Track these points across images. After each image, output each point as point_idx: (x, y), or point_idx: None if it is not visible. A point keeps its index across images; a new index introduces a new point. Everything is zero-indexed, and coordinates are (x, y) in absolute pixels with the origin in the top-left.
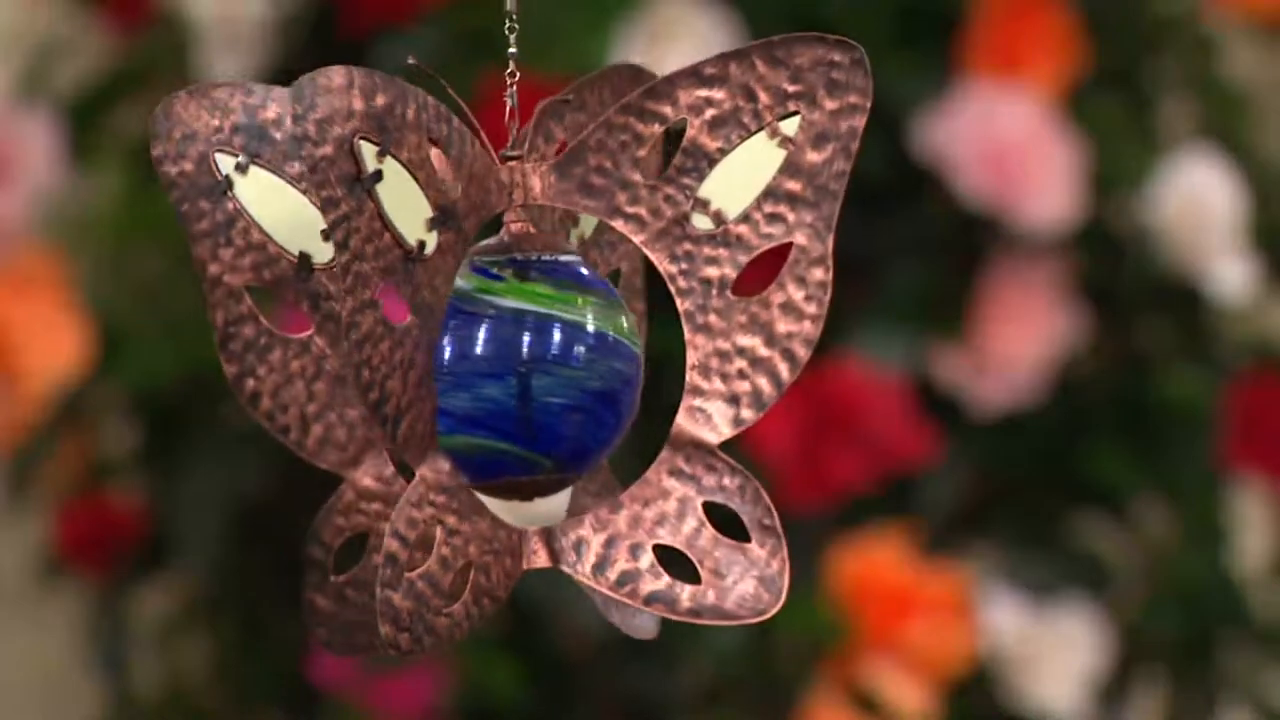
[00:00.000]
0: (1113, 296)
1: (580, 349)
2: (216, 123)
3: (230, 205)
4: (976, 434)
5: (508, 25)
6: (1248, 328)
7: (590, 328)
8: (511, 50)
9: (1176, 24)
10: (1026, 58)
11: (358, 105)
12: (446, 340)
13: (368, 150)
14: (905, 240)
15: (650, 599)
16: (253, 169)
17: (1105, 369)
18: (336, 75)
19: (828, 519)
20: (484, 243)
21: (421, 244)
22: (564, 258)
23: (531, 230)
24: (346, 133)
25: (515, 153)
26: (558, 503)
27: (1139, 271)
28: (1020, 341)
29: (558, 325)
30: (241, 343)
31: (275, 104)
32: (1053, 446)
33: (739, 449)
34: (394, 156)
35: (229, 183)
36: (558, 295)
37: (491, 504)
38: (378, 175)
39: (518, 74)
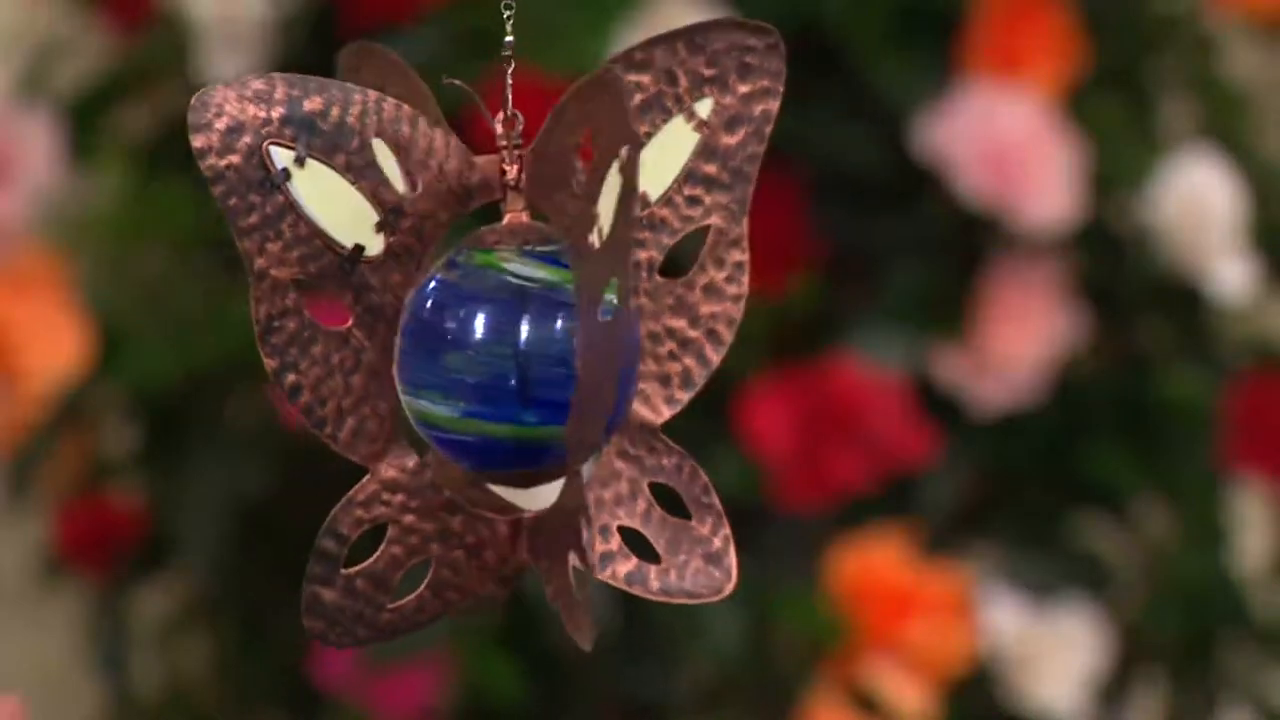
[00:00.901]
0: (1113, 296)
1: (545, 309)
2: (264, 114)
3: (281, 198)
4: (976, 434)
5: (505, 16)
6: (1248, 328)
7: (553, 293)
8: (509, 37)
9: (1176, 24)
10: (1026, 58)
11: (275, 113)
12: (447, 321)
13: (282, 155)
14: (905, 240)
15: (628, 579)
16: (309, 162)
17: (1105, 369)
18: (254, 83)
19: (828, 519)
20: (480, 231)
21: (360, 247)
22: (543, 248)
23: (525, 220)
24: (254, 141)
25: (506, 144)
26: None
27: (1139, 271)
28: (1020, 341)
29: (557, 296)
30: (285, 336)
31: (316, 95)
32: (1053, 446)
33: (739, 448)
34: (321, 160)
35: (286, 175)
36: (558, 272)
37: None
38: (285, 176)
39: (513, 66)
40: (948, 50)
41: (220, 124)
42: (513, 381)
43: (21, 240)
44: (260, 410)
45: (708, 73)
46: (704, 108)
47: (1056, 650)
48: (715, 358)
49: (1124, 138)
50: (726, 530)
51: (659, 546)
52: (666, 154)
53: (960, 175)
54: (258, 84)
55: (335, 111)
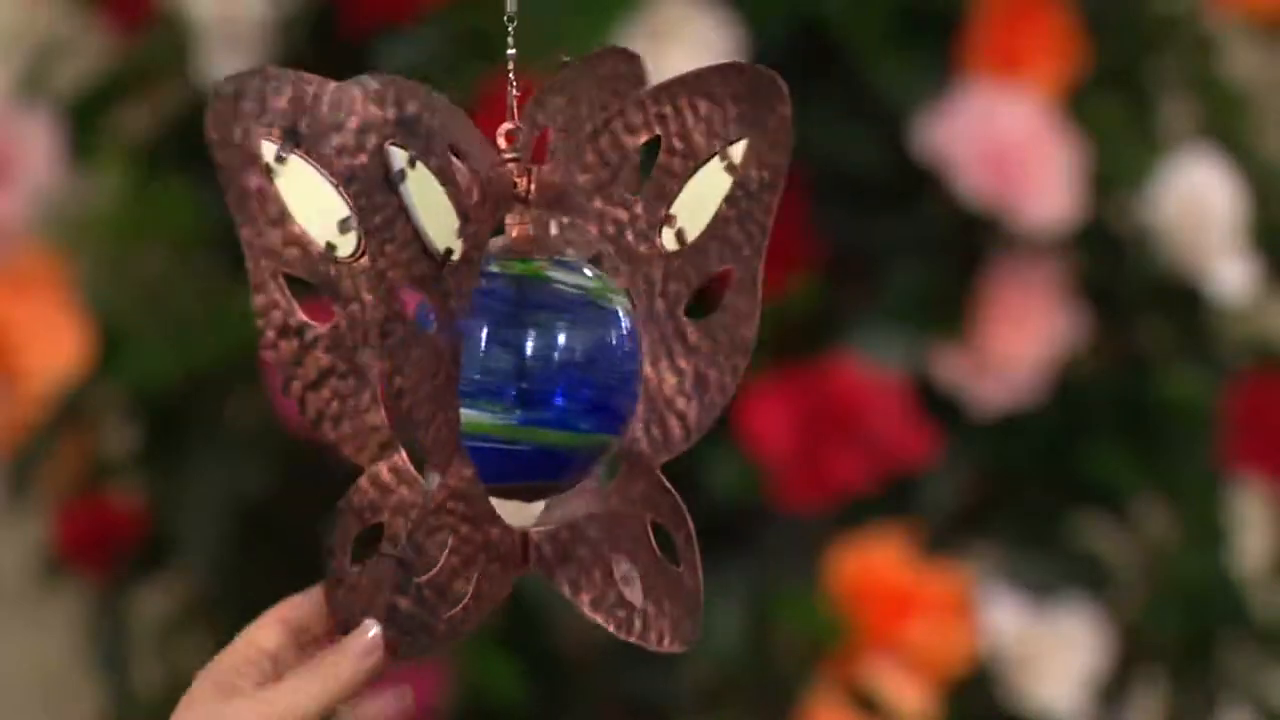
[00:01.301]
0: (1113, 296)
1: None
2: (384, 114)
3: (396, 200)
4: (976, 434)
5: (508, 24)
6: (1248, 328)
7: (593, 300)
8: (511, 50)
9: (1176, 24)
10: (1026, 58)
11: (390, 114)
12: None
13: (399, 156)
14: (905, 240)
15: (611, 614)
16: (419, 164)
17: (1105, 369)
18: (372, 83)
19: (828, 519)
20: (501, 242)
21: (449, 251)
22: (568, 258)
23: (531, 232)
24: (379, 141)
25: (514, 155)
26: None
27: (1139, 271)
28: (1020, 341)
29: (565, 294)
30: (396, 340)
31: (412, 99)
32: (1053, 446)
33: (739, 448)
34: (423, 163)
35: (402, 176)
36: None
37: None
38: (402, 177)
39: (515, 75)
40: (948, 50)
41: (352, 123)
42: (581, 390)
43: (21, 240)
44: (260, 410)
45: (735, 114)
46: (737, 152)
47: (1056, 650)
48: (722, 402)
49: (1124, 138)
50: (700, 578)
51: (651, 590)
52: (702, 195)
53: (960, 175)
54: (375, 84)
55: (427, 116)
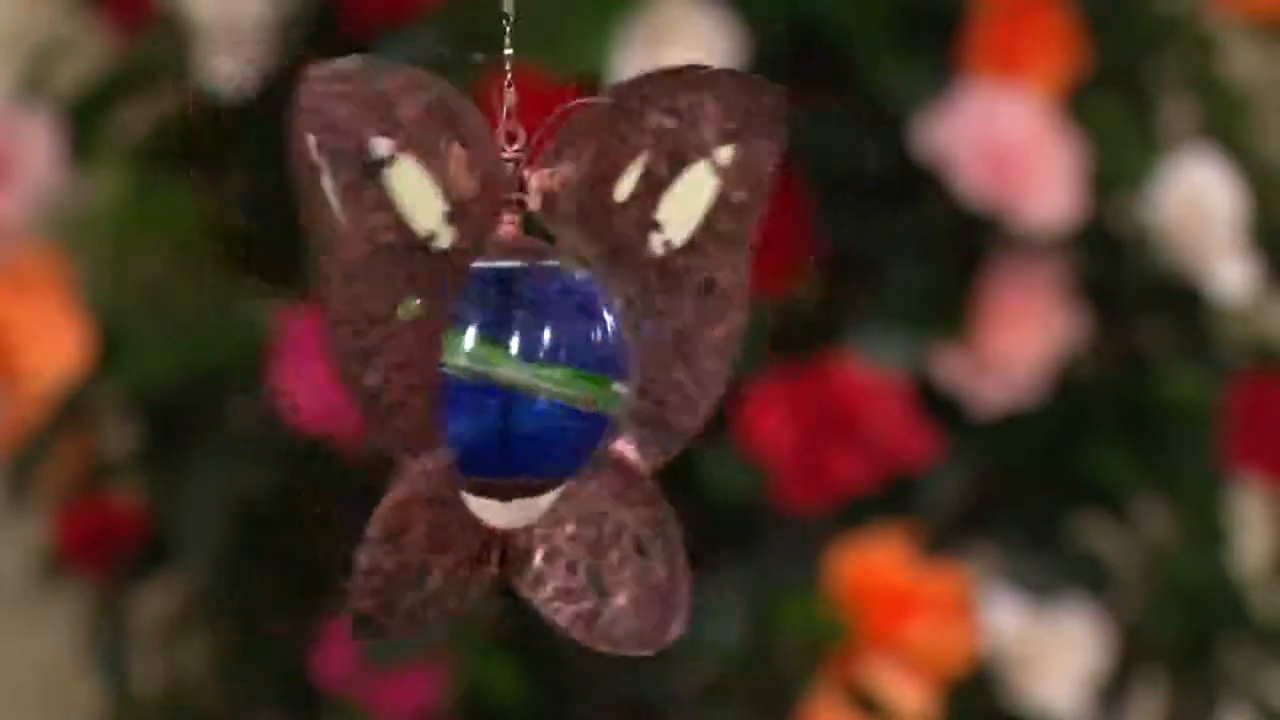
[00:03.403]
0: (1113, 296)
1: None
2: (367, 99)
3: (378, 186)
4: (976, 434)
5: (505, 26)
6: (1248, 328)
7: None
8: (507, 51)
9: (1176, 24)
10: (1026, 58)
11: (376, 99)
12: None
13: (381, 142)
14: (905, 240)
15: (573, 619)
16: (399, 152)
17: (1105, 369)
18: (355, 68)
19: (828, 519)
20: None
21: (432, 234)
22: (548, 263)
23: (518, 234)
24: (357, 126)
25: (515, 154)
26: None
27: (1139, 271)
28: (1020, 341)
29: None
30: (368, 321)
31: (406, 82)
32: (1053, 446)
33: (739, 448)
34: (407, 150)
35: (383, 162)
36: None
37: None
38: (385, 163)
39: (512, 77)
40: (948, 50)
41: (330, 107)
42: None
43: (21, 240)
44: (260, 410)
45: (725, 120)
46: (725, 154)
47: (1056, 650)
48: (705, 412)
49: (1124, 138)
50: (689, 583)
51: (621, 591)
52: (688, 199)
53: (960, 175)
54: (358, 68)
55: (420, 100)
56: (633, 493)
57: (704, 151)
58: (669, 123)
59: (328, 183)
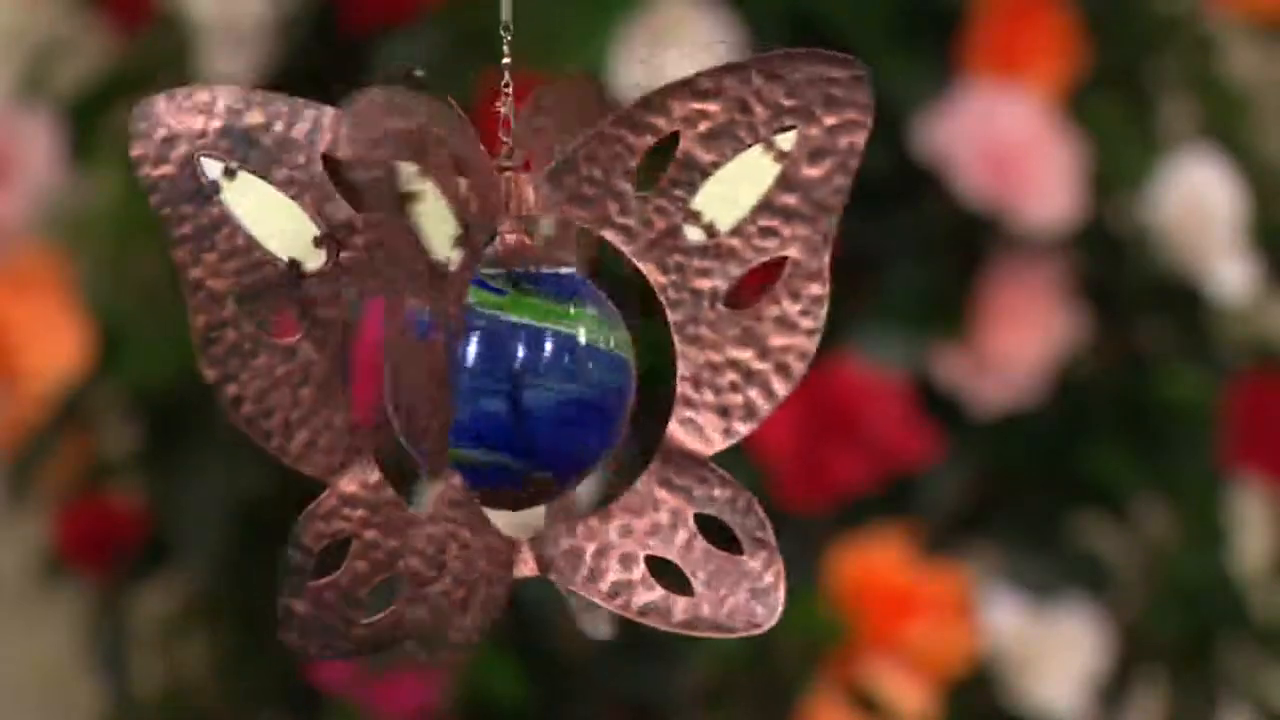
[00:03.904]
0: (1113, 296)
1: (571, 360)
2: (201, 126)
3: (215, 210)
4: (976, 434)
5: (502, 32)
6: (1248, 328)
7: (583, 340)
8: (505, 60)
9: (1176, 24)
10: (1026, 58)
11: (212, 125)
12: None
13: (213, 166)
14: (905, 240)
15: (644, 610)
16: (240, 174)
17: (1105, 369)
18: (195, 95)
19: (828, 519)
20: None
21: (295, 261)
22: (562, 270)
23: (526, 241)
24: (189, 152)
25: (509, 163)
26: (538, 511)
27: (1139, 271)
28: (1020, 341)
29: (550, 337)
30: (224, 347)
31: (258, 109)
32: (1053, 446)
33: (739, 447)
34: (258, 174)
35: (215, 188)
36: (553, 308)
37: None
38: (215, 188)
39: (511, 84)
40: (948, 50)
41: (157, 134)
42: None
43: (21, 240)
44: None
45: (788, 103)
46: (786, 140)
47: (1056, 650)
48: (783, 392)
49: (1124, 138)
50: (779, 566)
51: (697, 579)
52: (740, 184)
53: (960, 175)
54: (199, 96)
55: (280, 126)
56: (697, 477)
57: (753, 132)
58: (706, 108)
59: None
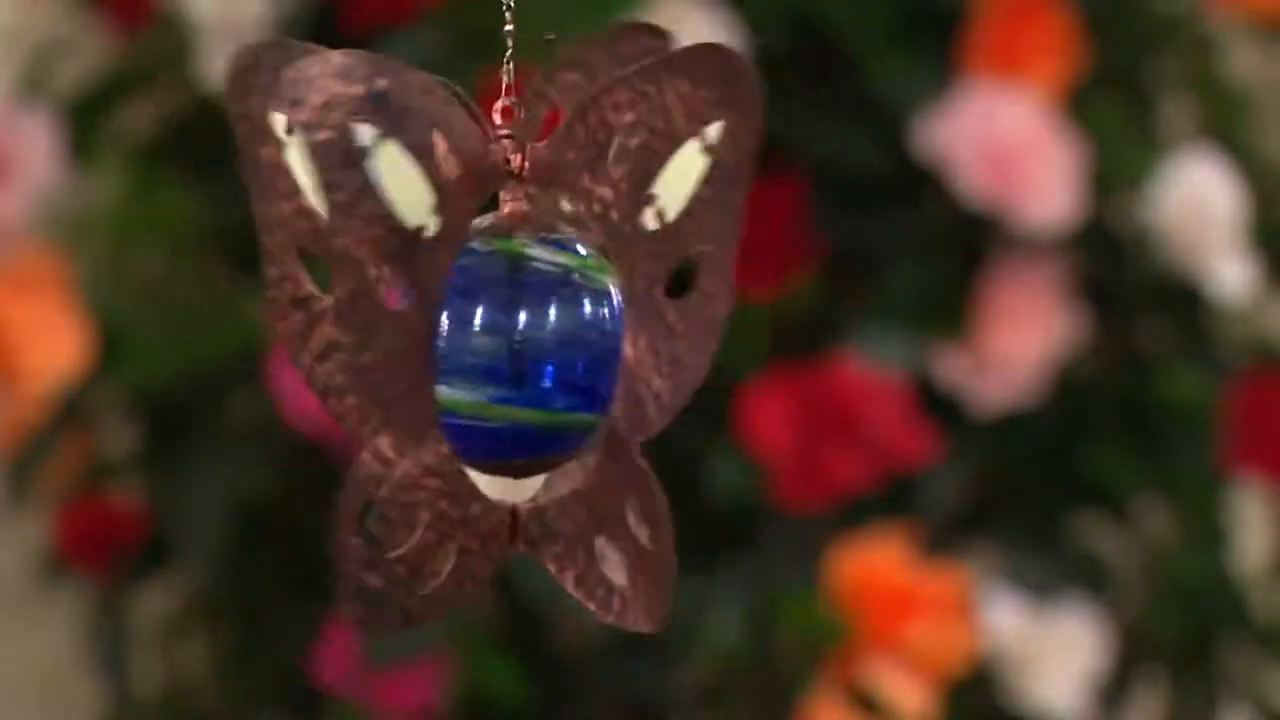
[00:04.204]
0: (1113, 296)
1: (570, 291)
2: (351, 91)
3: (362, 176)
4: (976, 434)
5: (505, 7)
6: (1248, 328)
7: (577, 276)
8: (508, 27)
9: (1176, 24)
10: (1026, 58)
11: (357, 90)
12: (471, 307)
13: (365, 132)
14: (905, 240)
15: (593, 593)
16: (388, 140)
17: (1105, 369)
18: (337, 58)
19: (827, 519)
20: (478, 221)
21: (422, 227)
22: (563, 236)
23: (525, 208)
24: (343, 117)
25: (509, 131)
26: (538, 481)
27: (1139, 271)
28: (1020, 341)
29: (545, 267)
30: (362, 316)
31: (388, 73)
32: (1053, 446)
33: (739, 448)
34: (394, 139)
35: (366, 152)
36: (550, 249)
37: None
38: (365, 153)
39: (514, 80)
40: (948, 50)
41: (315, 99)
42: (546, 366)
43: (21, 240)
44: (260, 410)
45: (711, 95)
46: (714, 132)
47: (1056, 650)
48: (694, 385)
49: (1124, 138)
50: (672, 559)
51: (640, 568)
52: (680, 175)
53: (960, 175)
54: (341, 59)
55: (401, 90)
56: (620, 469)
57: (694, 126)
58: (659, 98)
59: (309, 172)
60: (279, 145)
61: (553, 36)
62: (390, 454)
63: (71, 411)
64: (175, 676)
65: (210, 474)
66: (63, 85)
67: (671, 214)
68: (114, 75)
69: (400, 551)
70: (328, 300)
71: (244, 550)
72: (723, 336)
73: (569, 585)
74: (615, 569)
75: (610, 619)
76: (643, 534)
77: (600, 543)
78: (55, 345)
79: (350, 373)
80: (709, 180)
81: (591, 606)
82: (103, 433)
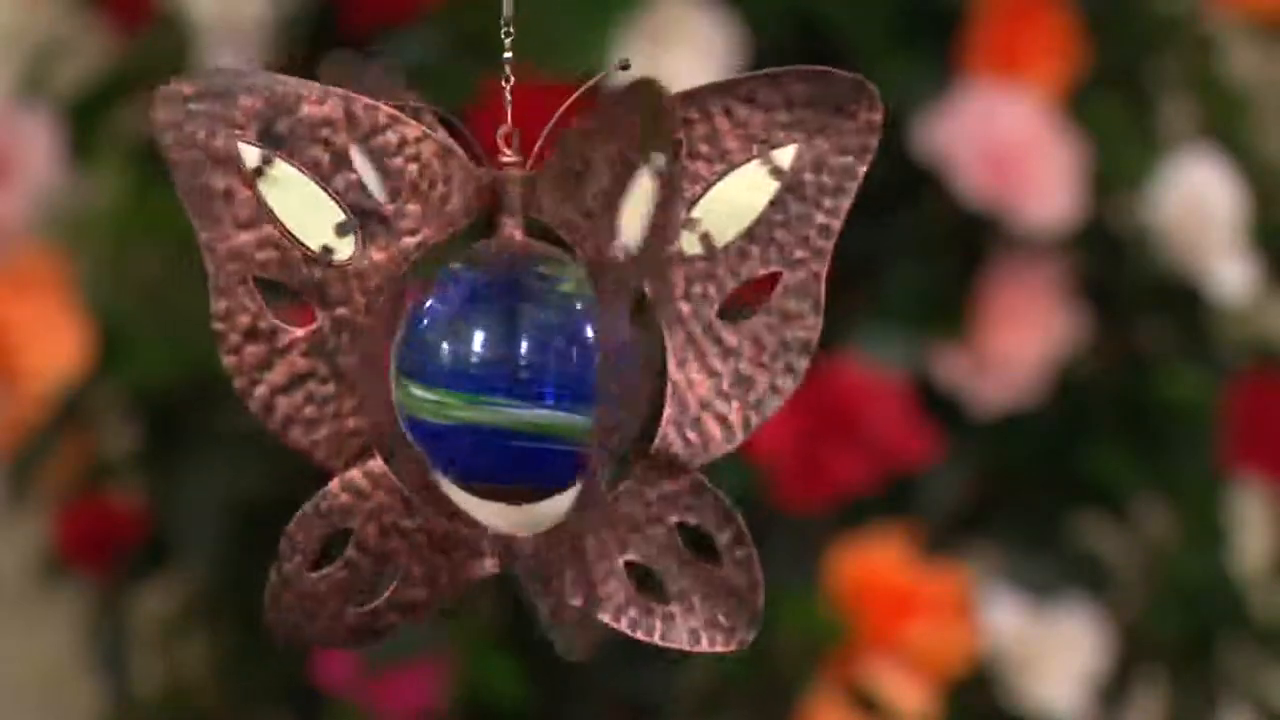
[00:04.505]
0: (1113, 296)
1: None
2: (236, 108)
3: (249, 195)
4: (976, 434)
5: (504, 32)
6: (1248, 328)
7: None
8: (507, 55)
9: (1176, 24)
10: (1026, 58)
11: (247, 107)
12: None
13: (251, 151)
14: (905, 240)
15: (632, 624)
16: (277, 160)
17: (1105, 369)
18: (226, 75)
19: (827, 519)
20: (476, 248)
21: (327, 249)
22: (554, 258)
23: (518, 237)
24: (224, 135)
25: (513, 158)
26: (552, 506)
27: (1139, 271)
28: (1020, 341)
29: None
30: (244, 335)
31: (291, 91)
32: (1053, 446)
33: (738, 449)
34: (288, 160)
35: (256, 172)
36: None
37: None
38: (256, 173)
39: (512, 80)
40: (948, 50)
41: (189, 117)
42: (566, 387)
43: (21, 240)
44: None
45: (786, 118)
46: (784, 156)
47: (1056, 650)
48: (775, 404)
49: (1124, 138)
50: (758, 577)
51: (672, 590)
52: (737, 198)
53: (960, 175)
54: (230, 76)
55: (308, 110)
56: (682, 490)
57: (752, 150)
58: (705, 124)
59: (206, 191)
60: (252, 174)
61: (626, 63)
62: (364, 484)
63: (71, 411)
64: (175, 676)
65: (210, 474)
66: (63, 85)
67: (726, 237)
68: (114, 75)
69: (325, 572)
70: (297, 332)
71: (244, 550)
72: (807, 355)
73: (615, 620)
74: (654, 591)
75: (654, 639)
76: (721, 556)
77: (631, 566)
78: (55, 345)
79: (321, 404)
80: (779, 204)
81: (624, 628)
82: (103, 433)
